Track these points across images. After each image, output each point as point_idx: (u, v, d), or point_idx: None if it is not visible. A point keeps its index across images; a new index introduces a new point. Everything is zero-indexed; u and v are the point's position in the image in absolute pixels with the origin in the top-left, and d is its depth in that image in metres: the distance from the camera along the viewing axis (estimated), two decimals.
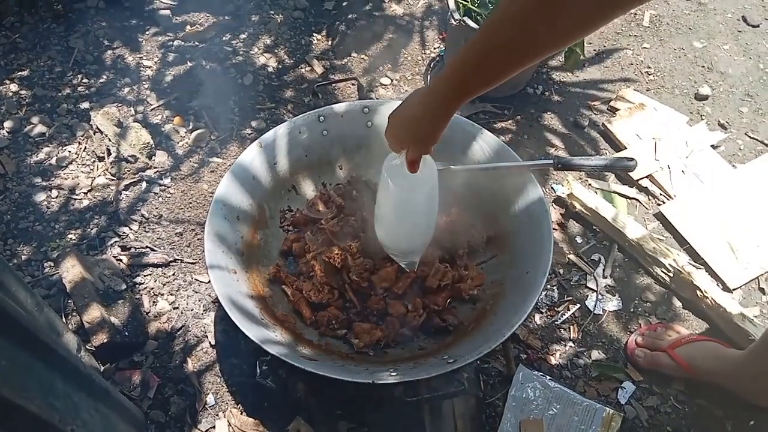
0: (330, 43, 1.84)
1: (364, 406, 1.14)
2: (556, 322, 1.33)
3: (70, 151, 1.53)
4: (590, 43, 1.87)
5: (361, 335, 1.07)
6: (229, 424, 1.16)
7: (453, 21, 1.53)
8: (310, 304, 1.13)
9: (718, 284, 1.37)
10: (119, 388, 1.17)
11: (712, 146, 1.61)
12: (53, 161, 1.50)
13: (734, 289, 1.38)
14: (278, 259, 1.25)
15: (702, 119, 1.69)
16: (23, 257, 1.35)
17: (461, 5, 1.55)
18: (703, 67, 1.82)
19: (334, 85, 1.71)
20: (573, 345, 1.30)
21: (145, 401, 1.18)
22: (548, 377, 1.23)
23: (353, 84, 1.71)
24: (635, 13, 1.97)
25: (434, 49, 1.85)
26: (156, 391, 1.20)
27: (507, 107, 1.70)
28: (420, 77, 1.78)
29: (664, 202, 1.52)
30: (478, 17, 1.55)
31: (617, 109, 1.69)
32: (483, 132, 1.23)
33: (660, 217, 1.50)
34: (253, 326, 0.97)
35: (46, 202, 1.44)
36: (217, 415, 1.17)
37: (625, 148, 1.60)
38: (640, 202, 1.53)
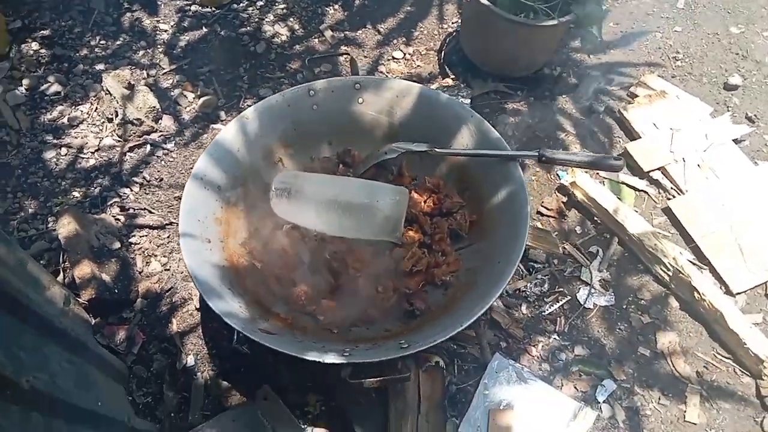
0: (345, 13, 1.81)
1: (333, 380, 1.15)
2: (542, 313, 1.30)
3: (81, 111, 1.57)
4: (617, 24, 1.77)
5: (326, 312, 1.07)
6: (206, 386, 1.20)
7: None
8: (279, 278, 1.14)
9: (720, 287, 1.31)
10: (105, 342, 1.22)
11: (734, 140, 1.51)
12: (65, 120, 1.55)
13: (737, 294, 1.31)
14: (255, 233, 1.25)
15: (728, 110, 1.59)
16: (30, 211, 1.41)
17: None
18: (737, 54, 1.70)
19: (330, 58, 1.69)
20: (557, 338, 1.27)
21: (130, 356, 1.23)
22: (524, 368, 1.21)
23: (346, 60, 1.68)
24: None
25: (452, 24, 1.80)
26: (141, 347, 1.24)
27: (520, 88, 1.64)
28: (434, 53, 1.74)
29: (674, 197, 1.45)
30: None
31: (636, 96, 1.61)
32: (474, 116, 1.19)
33: (668, 212, 1.43)
34: (217, 296, 0.98)
35: (55, 159, 1.49)
36: (195, 375, 1.21)
37: (639, 138, 1.52)
38: (648, 194, 1.47)
